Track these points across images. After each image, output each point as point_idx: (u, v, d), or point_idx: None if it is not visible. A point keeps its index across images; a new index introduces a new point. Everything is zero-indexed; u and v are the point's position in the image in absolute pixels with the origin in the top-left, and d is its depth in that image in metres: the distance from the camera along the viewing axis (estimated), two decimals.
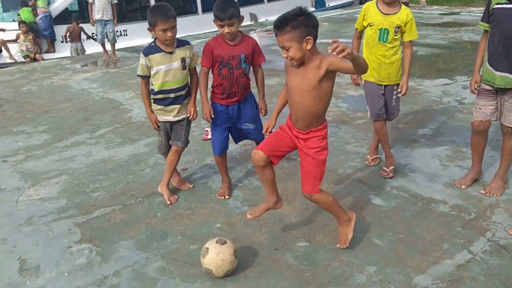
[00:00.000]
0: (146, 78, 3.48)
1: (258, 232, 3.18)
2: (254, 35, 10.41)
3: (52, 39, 12.23)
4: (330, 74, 2.63)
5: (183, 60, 3.43)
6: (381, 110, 3.87)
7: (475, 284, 2.67)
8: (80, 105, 6.19)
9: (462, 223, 3.25)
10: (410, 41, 3.74)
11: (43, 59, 11.18)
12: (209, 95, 3.52)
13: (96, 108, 6.06)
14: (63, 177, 4.10)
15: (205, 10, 14.70)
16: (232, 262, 2.72)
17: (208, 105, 3.46)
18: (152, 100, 3.53)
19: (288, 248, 3.03)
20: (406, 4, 9.33)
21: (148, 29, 3.38)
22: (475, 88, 3.54)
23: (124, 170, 4.20)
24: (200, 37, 11.12)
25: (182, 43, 3.47)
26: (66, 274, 2.83)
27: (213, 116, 3.46)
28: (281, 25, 2.56)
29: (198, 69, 3.52)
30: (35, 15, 12.08)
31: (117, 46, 9.39)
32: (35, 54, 11.65)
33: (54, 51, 12.20)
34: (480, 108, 3.52)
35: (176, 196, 3.66)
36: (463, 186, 3.70)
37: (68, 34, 11.61)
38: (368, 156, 4.20)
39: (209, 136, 4.34)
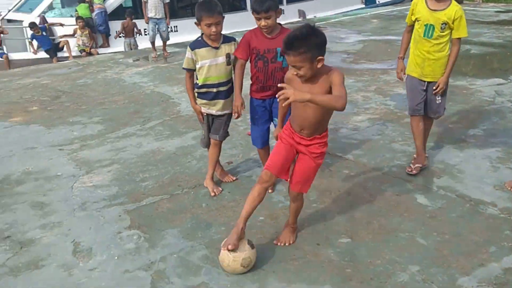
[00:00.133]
0: (191, 71, 3.56)
1: (300, 227, 3.21)
2: None
3: (106, 34, 12.69)
4: None
5: (228, 55, 3.49)
6: (419, 105, 3.85)
7: None
8: (131, 98, 6.42)
9: (511, 226, 3.15)
10: (459, 38, 3.65)
11: (98, 54, 11.63)
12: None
13: (147, 101, 6.26)
14: (114, 166, 4.29)
15: None
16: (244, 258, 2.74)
17: (240, 98, 3.47)
18: (196, 94, 3.62)
19: (330, 244, 3.05)
20: (460, 1, 9.03)
21: (195, 23, 3.46)
22: None
23: (172, 162, 4.34)
24: None
25: (228, 39, 3.54)
26: (116, 258, 2.97)
27: (244, 109, 3.50)
28: (293, 46, 2.52)
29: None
30: (91, 11, 12.57)
31: (168, 42, 9.64)
32: (90, 49, 12.12)
33: (108, 45, 12.65)
34: None
35: (220, 188, 3.76)
36: None
37: (122, 29, 12.01)
38: (415, 155, 4.14)
39: None
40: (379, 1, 19.10)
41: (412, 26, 3.83)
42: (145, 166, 4.27)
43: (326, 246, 3.03)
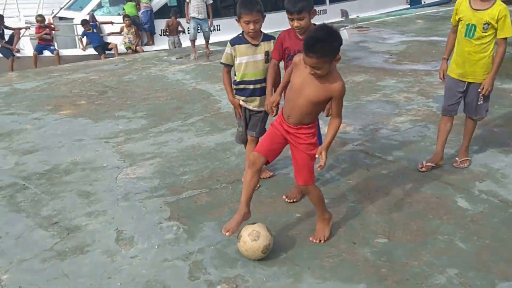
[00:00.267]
0: (229, 67, 3.62)
1: (336, 225, 3.22)
2: (344, 32, 10.34)
3: (152, 32, 13.01)
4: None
5: (267, 53, 3.53)
6: (451, 106, 3.83)
7: None
8: (174, 95, 6.58)
9: None
10: (504, 38, 3.55)
11: (143, 51, 11.94)
12: None
13: (189, 98, 6.40)
14: (156, 159, 4.42)
15: None
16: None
17: (271, 96, 3.42)
18: (234, 91, 3.68)
19: (366, 243, 3.05)
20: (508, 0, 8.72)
21: (236, 20, 3.53)
22: None
23: (211, 157, 4.43)
24: None
25: (268, 37, 3.58)
26: (156, 247, 3.08)
27: (275, 108, 3.51)
28: (315, 49, 2.57)
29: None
30: (138, 9, 12.92)
31: (210, 40, 9.79)
32: (136, 46, 12.46)
33: (153, 43, 12.95)
34: None
35: (258, 184, 3.80)
36: None
37: (166, 28, 12.27)
38: (457, 158, 4.06)
39: None
40: (424, 1, 18.69)
41: (457, 27, 3.77)
42: (186, 160, 4.38)
43: (362, 245, 3.03)
